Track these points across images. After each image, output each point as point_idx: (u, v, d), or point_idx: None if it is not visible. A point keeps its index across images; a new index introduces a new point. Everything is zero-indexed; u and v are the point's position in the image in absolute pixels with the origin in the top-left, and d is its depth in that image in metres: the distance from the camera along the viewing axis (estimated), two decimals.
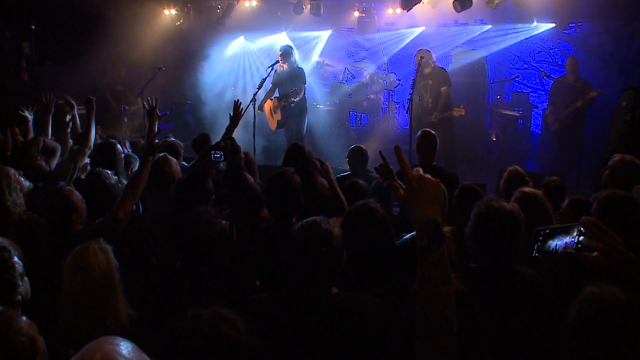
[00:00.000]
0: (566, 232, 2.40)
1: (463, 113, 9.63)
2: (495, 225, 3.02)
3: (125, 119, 12.45)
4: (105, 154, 5.34)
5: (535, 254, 2.50)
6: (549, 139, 11.46)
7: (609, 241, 2.09)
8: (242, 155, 3.98)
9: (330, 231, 2.64)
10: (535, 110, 12.08)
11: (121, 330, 2.86)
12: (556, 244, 2.39)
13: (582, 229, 2.25)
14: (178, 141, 6.60)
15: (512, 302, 3.04)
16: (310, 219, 2.72)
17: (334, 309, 2.63)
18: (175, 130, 14.19)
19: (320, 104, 12.98)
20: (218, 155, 3.99)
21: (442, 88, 9.92)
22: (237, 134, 10.09)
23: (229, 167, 3.88)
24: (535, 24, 11.32)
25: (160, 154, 5.35)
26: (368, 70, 13.13)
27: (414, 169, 1.95)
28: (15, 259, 2.75)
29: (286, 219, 3.81)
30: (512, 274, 3.12)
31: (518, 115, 11.34)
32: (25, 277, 2.79)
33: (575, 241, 2.33)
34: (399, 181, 2.00)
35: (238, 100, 5.54)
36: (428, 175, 1.93)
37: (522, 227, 3.09)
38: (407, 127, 12.35)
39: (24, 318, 2.24)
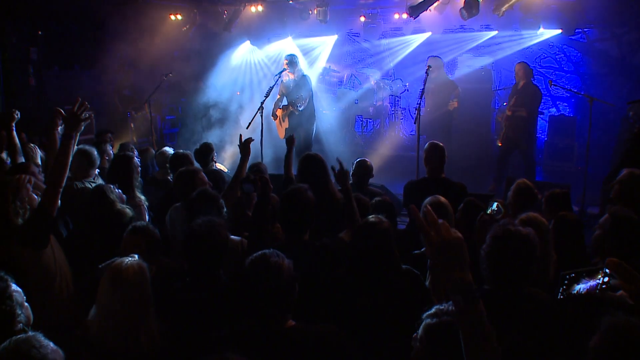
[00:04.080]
0: (591, 275, 2.43)
1: (456, 105, 9.98)
2: (511, 249, 3.05)
3: (132, 125, 12.49)
4: (121, 168, 5.40)
5: (560, 296, 2.53)
6: (553, 145, 11.47)
7: (635, 281, 2.10)
8: (271, 186, 4.01)
9: (280, 264, 2.68)
10: (542, 117, 12.06)
11: (153, 345, 2.89)
12: (580, 287, 2.42)
13: (607, 270, 2.26)
14: (188, 152, 6.63)
15: (526, 324, 3.06)
16: (259, 253, 2.75)
17: (289, 343, 2.66)
18: (182, 134, 14.25)
19: (326, 110, 12.99)
20: (248, 187, 4.06)
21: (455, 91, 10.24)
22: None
23: (259, 198, 3.93)
24: (541, 30, 11.33)
25: (193, 167, 5.45)
26: (374, 76, 13.15)
27: (423, 208, 1.96)
28: (13, 287, 2.72)
29: (298, 236, 3.83)
30: (525, 296, 3.14)
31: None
32: (26, 304, 2.76)
33: (600, 282, 2.35)
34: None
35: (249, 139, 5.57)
36: (448, 230, 1.92)
37: (537, 251, 3.12)
38: (413, 133, 12.43)
39: (51, 344, 2.27)
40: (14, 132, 5.97)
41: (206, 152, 6.78)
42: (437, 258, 1.90)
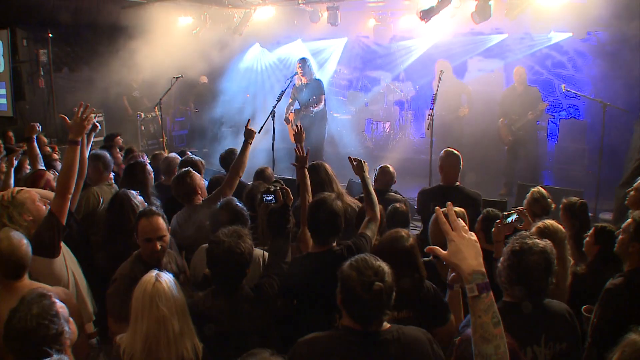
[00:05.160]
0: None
1: (466, 112, 10.29)
2: (530, 262, 3.06)
3: (143, 127, 12.51)
4: (136, 175, 5.40)
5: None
6: (564, 149, 11.41)
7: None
8: (292, 197, 4.04)
9: (382, 266, 2.70)
10: (552, 120, 12.02)
11: (197, 357, 2.93)
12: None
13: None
14: (200, 158, 6.61)
15: (546, 336, 3.08)
16: (359, 256, 2.75)
17: (389, 344, 2.68)
18: (191, 136, 14.28)
19: (337, 113, 12.97)
20: (270, 198, 4.06)
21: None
22: (257, 146, 10.17)
23: (280, 207, 3.97)
24: (552, 33, 11.28)
25: (184, 169, 5.42)
26: (384, 79, 13.13)
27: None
28: (58, 303, 2.70)
29: (326, 244, 3.87)
30: (544, 308, 3.17)
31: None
32: (71, 318, 2.75)
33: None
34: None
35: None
36: (466, 232, 2.21)
37: (554, 263, 3.15)
38: (423, 136, 12.42)
39: None
40: (35, 144, 5.94)
41: (231, 158, 6.72)
42: (455, 251, 2.17)
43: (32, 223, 3.96)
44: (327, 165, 5.60)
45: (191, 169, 5.40)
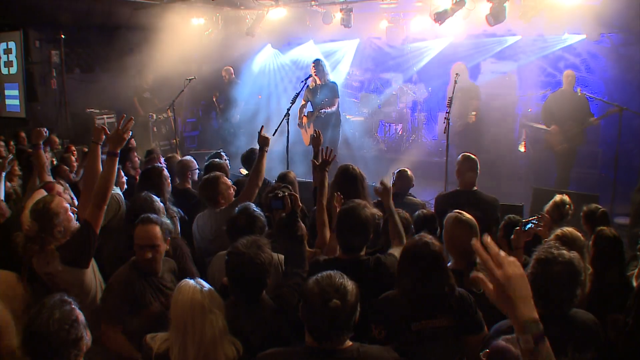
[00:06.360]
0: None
1: (474, 119, 10.28)
2: (555, 272, 3.05)
3: (155, 129, 12.52)
4: (152, 180, 5.33)
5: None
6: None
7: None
8: (300, 204, 4.01)
9: (345, 285, 2.69)
10: None
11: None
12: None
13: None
14: (226, 162, 6.59)
15: (572, 346, 3.06)
16: (324, 273, 2.76)
17: None
18: (202, 137, 14.28)
19: (349, 115, 12.94)
20: (277, 204, 4.05)
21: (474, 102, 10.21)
22: (271, 147, 10.15)
23: (288, 214, 3.95)
24: (565, 35, 11.22)
25: (216, 173, 5.40)
26: (397, 80, 13.10)
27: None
28: (77, 309, 2.73)
29: (355, 252, 3.83)
30: (571, 319, 3.16)
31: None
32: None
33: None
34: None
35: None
36: (512, 264, 1.87)
37: (581, 274, 3.13)
38: (436, 138, 12.39)
39: None
40: (41, 151, 5.72)
41: (252, 157, 6.68)
42: (502, 294, 1.84)
43: (61, 234, 3.92)
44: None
45: (223, 175, 5.39)
